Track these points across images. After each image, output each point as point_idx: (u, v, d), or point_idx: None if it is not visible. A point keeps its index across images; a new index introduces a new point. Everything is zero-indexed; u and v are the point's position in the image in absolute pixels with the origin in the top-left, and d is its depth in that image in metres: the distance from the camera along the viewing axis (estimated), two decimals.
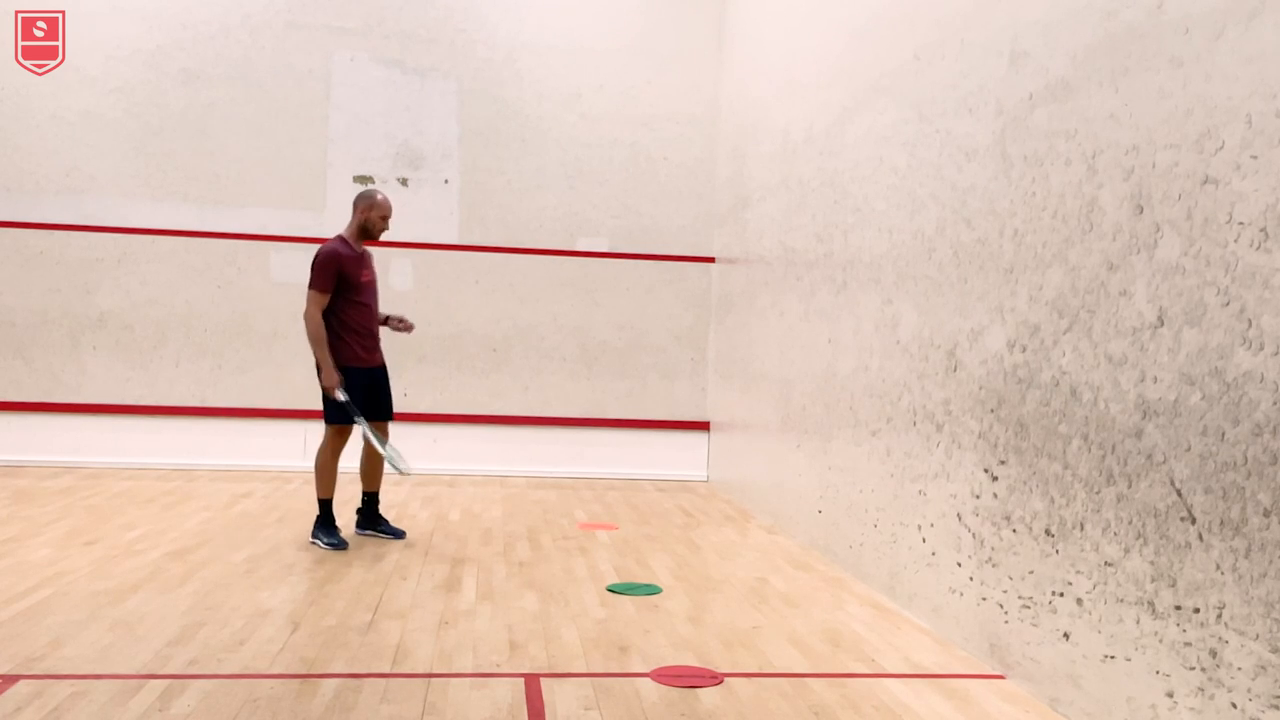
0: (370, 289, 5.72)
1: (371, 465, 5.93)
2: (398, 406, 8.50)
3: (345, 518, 5.98)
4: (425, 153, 8.83)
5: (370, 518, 5.97)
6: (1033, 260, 3.68)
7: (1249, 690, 2.59)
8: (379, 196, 5.68)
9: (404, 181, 8.74)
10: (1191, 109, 2.87)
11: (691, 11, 9.15)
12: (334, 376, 5.49)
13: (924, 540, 4.52)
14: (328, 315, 5.53)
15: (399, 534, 5.95)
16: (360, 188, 8.40)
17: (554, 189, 9.00)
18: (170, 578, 4.82)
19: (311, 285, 5.49)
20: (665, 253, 9.12)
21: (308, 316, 5.49)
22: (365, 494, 6.00)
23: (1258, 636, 2.55)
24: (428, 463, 8.64)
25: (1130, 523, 3.06)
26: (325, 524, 5.65)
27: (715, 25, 9.09)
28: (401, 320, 5.97)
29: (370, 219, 5.65)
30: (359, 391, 5.61)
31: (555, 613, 4.48)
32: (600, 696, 3.44)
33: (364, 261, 5.70)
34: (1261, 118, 2.61)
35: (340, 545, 5.55)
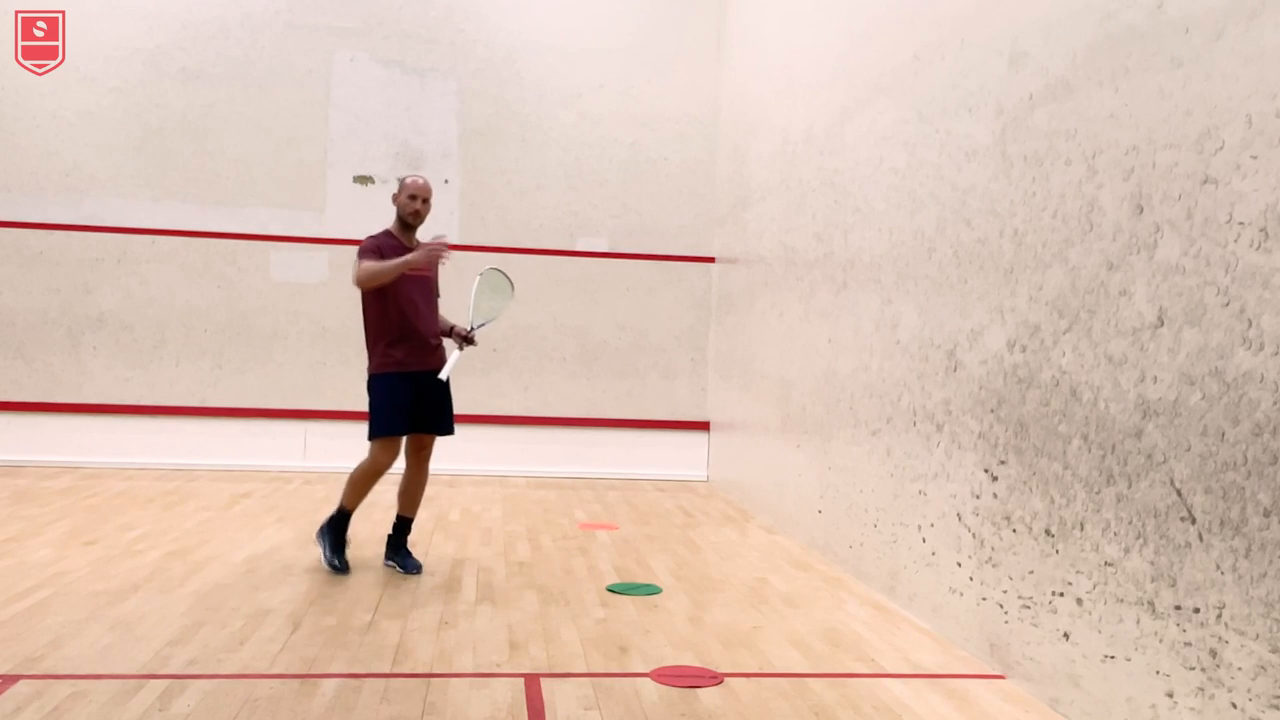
0: (418, 283, 5.15)
1: (410, 488, 5.31)
2: None
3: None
4: (425, 153, 8.83)
5: (395, 548, 5.29)
6: (1033, 260, 3.68)
7: (1249, 690, 2.59)
8: (406, 178, 5.24)
9: None
10: (1191, 109, 2.87)
11: (691, 11, 9.15)
12: (417, 254, 4.96)
13: (924, 540, 4.52)
14: (366, 314, 5.12)
15: (415, 568, 5.19)
16: (360, 188, 8.41)
17: (554, 189, 9.00)
18: (170, 578, 4.82)
19: (357, 263, 5.04)
20: (665, 253, 9.12)
21: (358, 278, 5.00)
22: (399, 518, 5.33)
23: (1258, 636, 2.55)
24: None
25: (1130, 523, 3.06)
26: (335, 536, 5.16)
27: (715, 25, 9.09)
28: (464, 335, 5.37)
29: (399, 202, 5.17)
30: (408, 402, 5.09)
31: (555, 613, 4.48)
32: (600, 696, 3.44)
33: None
34: (1261, 118, 2.61)
35: (340, 569, 5.07)
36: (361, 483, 5.14)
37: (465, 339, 5.35)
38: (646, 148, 9.09)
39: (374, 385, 5.13)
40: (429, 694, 3.41)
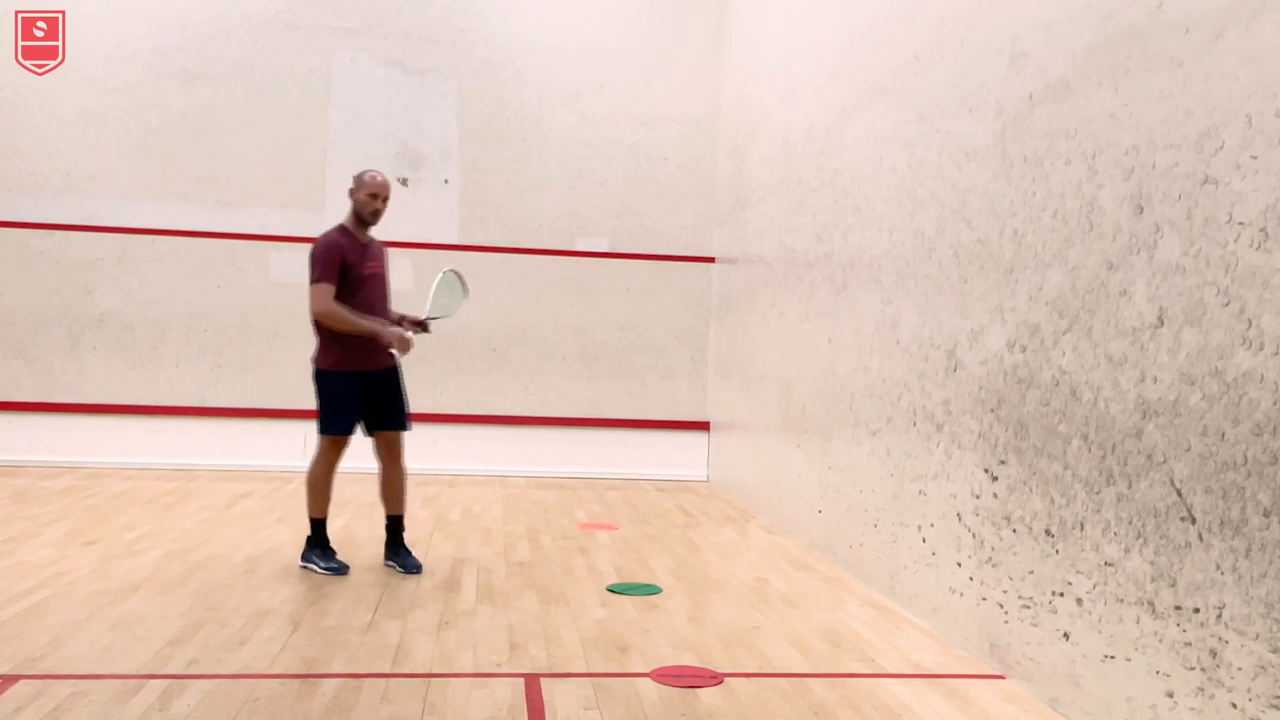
0: (374, 282, 5.17)
1: (391, 484, 5.31)
2: None
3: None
4: (425, 153, 8.83)
5: (393, 548, 5.27)
6: (1033, 260, 3.68)
7: (1249, 690, 2.59)
8: (366, 176, 5.10)
9: (404, 181, 8.73)
10: (1191, 109, 2.87)
11: (691, 11, 9.15)
12: (391, 331, 5.04)
13: (924, 540, 4.52)
14: None
15: (415, 568, 5.19)
16: None
17: (554, 189, 9.00)
18: (170, 578, 4.82)
19: (314, 279, 4.93)
20: (665, 253, 9.12)
21: (322, 310, 4.92)
22: (388, 517, 5.32)
23: (1258, 636, 2.56)
24: (428, 463, 8.64)
25: (1130, 523, 3.06)
26: (319, 546, 5.13)
27: (715, 25, 9.09)
28: (418, 322, 5.33)
29: (358, 200, 5.07)
30: (358, 400, 5.12)
31: (555, 613, 4.48)
32: (600, 696, 3.44)
33: (368, 253, 5.14)
34: (1261, 118, 2.61)
35: (340, 570, 5.05)
36: (321, 484, 5.15)
37: (419, 325, 5.31)
38: (646, 148, 9.08)
39: (327, 381, 5.10)
40: (429, 694, 3.41)
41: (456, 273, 5.60)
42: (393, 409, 5.26)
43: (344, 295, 5.01)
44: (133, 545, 5.49)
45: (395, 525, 5.30)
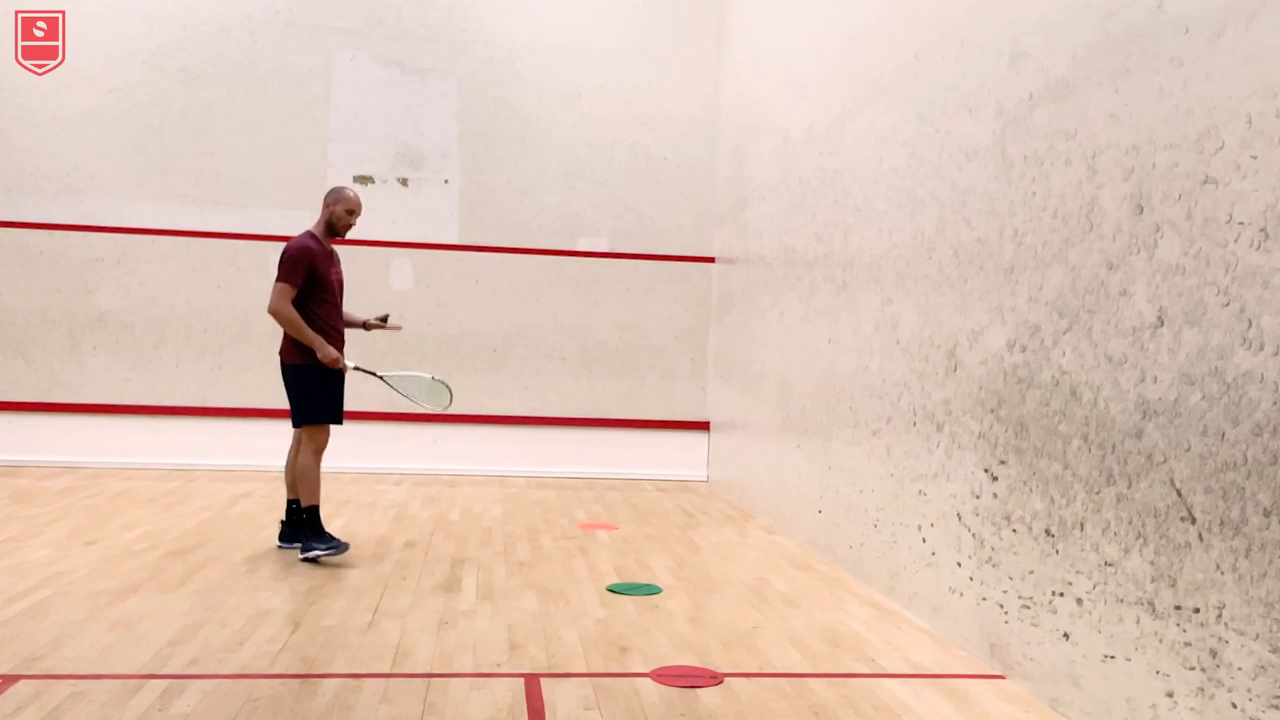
0: (339, 288, 5.56)
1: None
2: (396, 407, 8.53)
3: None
4: (425, 153, 8.83)
5: (298, 527, 5.50)
6: (1033, 260, 3.68)
7: (1249, 690, 2.59)
8: (348, 192, 5.50)
9: (404, 181, 8.73)
10: (1191, 109, 2.87)
11: (691, 11, 9.15)
12: (331, 350, 5.33)
13: (924, 540, 4.52)
14: (302, 311, 5.34)
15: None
16: (359, 187, 8.40)
17: (554, 189, 9.00)
18: (170, 578, 4.82)
19: (281, 279, 5.26)
20: (665, 253, 9.12)
21: (278, 309, 5.26)
22: (291, 501, 5.62)
23: (1258, 636, 2.56)
24: (428, 463, 8.65)
25: (1130, 523, 3.06)
26: (320, 532, 5.28)
27: (715, 25, 9.09)
28: (384, 321, 5.90)
29: (335, 213, 5.44)
30: (337, 393, 5.48)
31: (555, 613, 4.48)
32: (600, 696, 3.44)
33: (333, 259, 5.53)
34: (1261, 118, 2.61)
35: (343, 547, 5.27)
36: (316, 471, 5.42)
37: (362, 369, 5.69)
38: (646, 148, 9.09)
39: (315, 374, 5.40)
40: (429, 694, 3.41)
41: (449, 392, 5.82)
42: (341, 405, 5.62)
43: (313, 296, 5.36)
44: (133, 545, 5.49)
45: (298, 508, 5.53)
